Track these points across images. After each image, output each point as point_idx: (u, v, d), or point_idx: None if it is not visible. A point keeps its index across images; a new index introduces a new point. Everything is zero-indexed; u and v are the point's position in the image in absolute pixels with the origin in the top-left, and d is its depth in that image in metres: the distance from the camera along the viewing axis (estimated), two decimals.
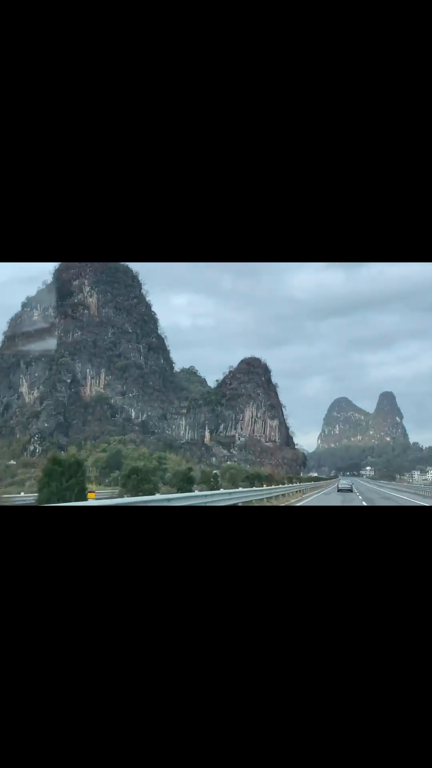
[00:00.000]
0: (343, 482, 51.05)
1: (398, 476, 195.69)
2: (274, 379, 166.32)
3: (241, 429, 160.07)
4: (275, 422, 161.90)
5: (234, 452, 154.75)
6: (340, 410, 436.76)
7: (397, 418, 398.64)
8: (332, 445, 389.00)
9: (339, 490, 41.68)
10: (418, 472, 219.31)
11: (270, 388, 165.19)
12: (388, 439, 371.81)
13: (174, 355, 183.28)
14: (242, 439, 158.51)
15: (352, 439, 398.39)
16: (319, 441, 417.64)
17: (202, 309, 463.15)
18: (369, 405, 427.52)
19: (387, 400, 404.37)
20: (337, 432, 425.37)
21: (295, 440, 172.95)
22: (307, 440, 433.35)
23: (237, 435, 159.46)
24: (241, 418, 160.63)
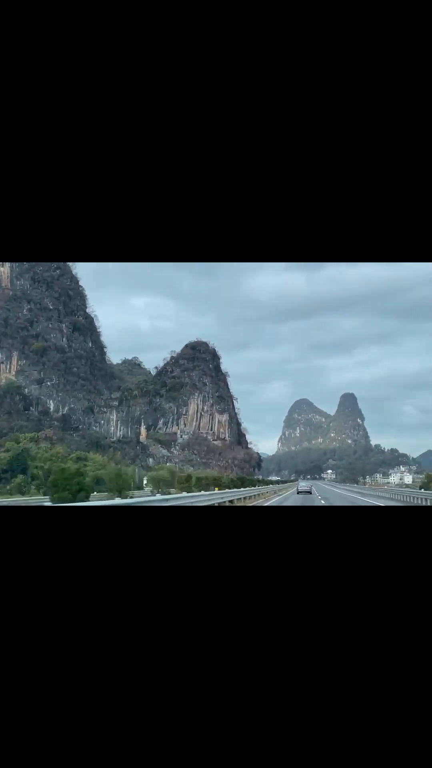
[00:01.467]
0: (303, 485, 55.26)
1: (361, 479, 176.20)
2: (235, 385, 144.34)
3: (185, 425, 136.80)
4: (225, 417, 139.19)
5: (175, 452, 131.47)
6: (301, 412, 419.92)
7: (359, 420, 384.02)
8: (293, 448, 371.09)
9: (299, 492, 46.29)
10: (380, 475, 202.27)
11: (219, 377, 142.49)
12: (349, 441, 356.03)
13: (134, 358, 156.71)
14: (185, 436, 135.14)
15: (313, 441, 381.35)
16: (280, 444, 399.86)
17: (161, 311, 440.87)
18: (330, 408, 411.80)
19: (348, 402, 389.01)
20: (297, 435, 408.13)
21: (257, 443, 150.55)
22: (268, 445, 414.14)
23: (179, 432, 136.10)
24: (184, 412, 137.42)
